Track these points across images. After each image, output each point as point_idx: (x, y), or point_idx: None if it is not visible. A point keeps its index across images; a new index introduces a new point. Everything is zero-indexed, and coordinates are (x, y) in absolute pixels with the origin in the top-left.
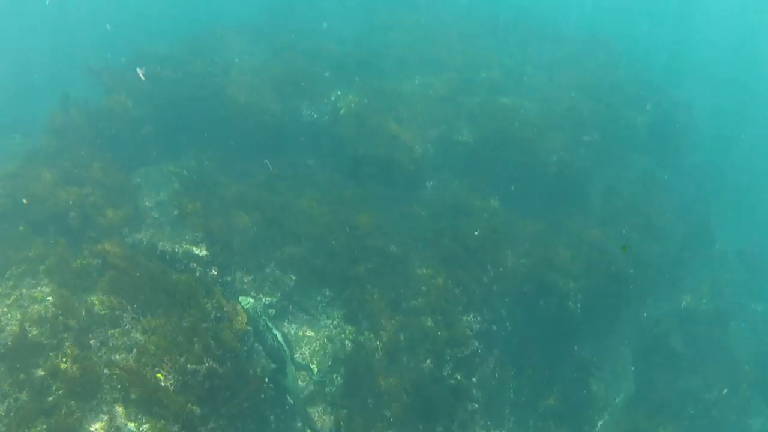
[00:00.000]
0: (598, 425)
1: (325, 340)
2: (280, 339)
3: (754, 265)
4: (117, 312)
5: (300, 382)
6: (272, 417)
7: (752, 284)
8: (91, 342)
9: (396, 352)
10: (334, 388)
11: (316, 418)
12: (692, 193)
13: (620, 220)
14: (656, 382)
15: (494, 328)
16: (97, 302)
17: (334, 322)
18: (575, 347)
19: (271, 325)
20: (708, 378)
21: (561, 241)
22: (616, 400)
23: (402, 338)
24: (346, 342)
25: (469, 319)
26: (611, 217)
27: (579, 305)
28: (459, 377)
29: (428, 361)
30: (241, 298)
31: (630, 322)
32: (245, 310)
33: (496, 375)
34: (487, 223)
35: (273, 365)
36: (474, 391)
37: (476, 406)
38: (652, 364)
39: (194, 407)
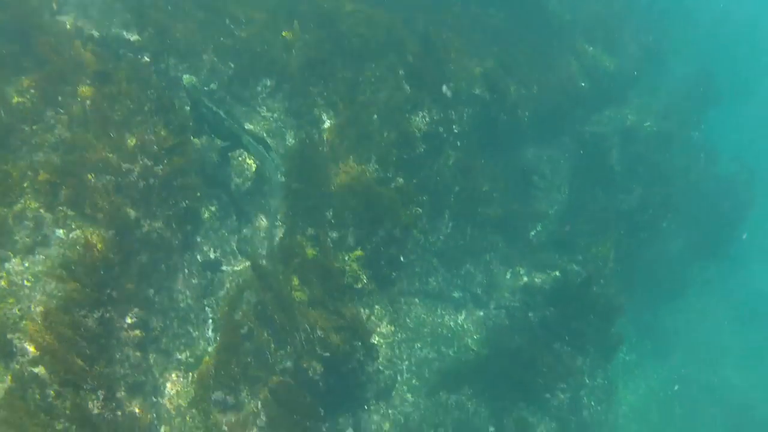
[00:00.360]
0: (531, 234)
1: (264, 134)
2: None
3: (698, 92)
4: (39, 105)
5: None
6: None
7: (694, 112)
8: (10, 141)
9: (341, 149)
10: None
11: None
12: (655, 19)
13: (577, 32)
14: (591, 198)
15: (441, 130)
16: (15, 94)
17: (275, 115)
18: (519, 155)
19: (211, 104)
20: (644, 200)
21: (519, 49)
22: (550, 212)
23: (348, 134)
24: (288, 137)
25: (417, 119)
26: (569, 28)
27: (527, 114)
28: (402, 180)
29: (373, 161)
30: (185, 76)
31: (573, 136)
32: (186, 88)
33: (439, 179)
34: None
35: (223, 142)
36: (418, 195)
37: (420, 210)
38: (590, 180)
39: (129, 210)
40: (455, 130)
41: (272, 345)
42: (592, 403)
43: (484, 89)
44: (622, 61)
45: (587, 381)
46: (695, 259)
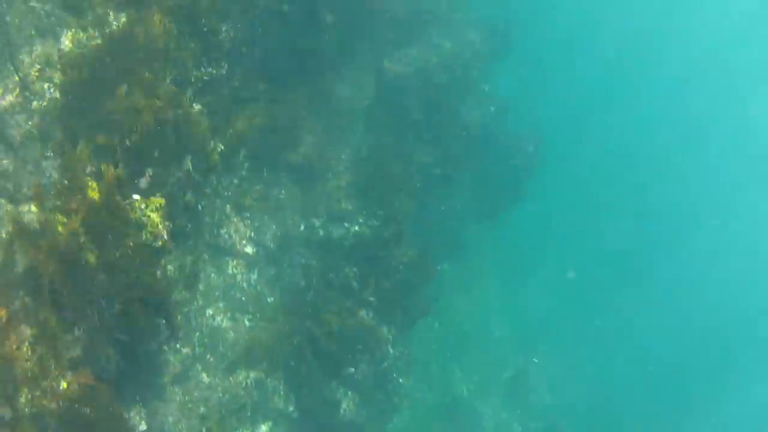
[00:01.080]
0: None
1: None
2: None
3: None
4: None
5: None
6: None
7: (486, 62)
8: None
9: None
10: None
11: None
12: None
13: None
14: (389, 148)
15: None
16: None
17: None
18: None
19: None
20: (444, 154)
21: None
22: (345, 158)
23: None
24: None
25: None
26: None
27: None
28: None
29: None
30: None
31: (372, 72)
32: None
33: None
34: None
35: None
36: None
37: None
38: (387, 126)
39: None
40: None
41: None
42: (395, 375)
43: None
44: None
45: (391, 351)
46: (476, 217)
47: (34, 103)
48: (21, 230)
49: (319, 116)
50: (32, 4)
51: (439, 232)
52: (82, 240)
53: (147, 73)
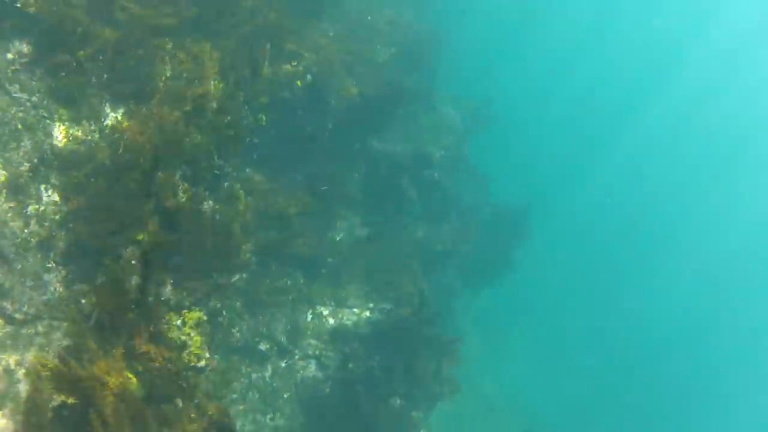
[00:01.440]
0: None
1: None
2: None
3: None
4: None
5: None
6: None
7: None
8: None
9: None
10: None
11: None
12: None
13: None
14: (386, 227)
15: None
16: None
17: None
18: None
19: None
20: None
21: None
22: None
23: None
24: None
25: None
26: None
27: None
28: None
29: None
30: None
31: (362, 152)
32: None
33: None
34: None
35: None
36: None
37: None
38: (381, 206)
39: None
40: None
41: None
42: None
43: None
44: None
45: None
46: (467, 286)
47: (30, 208)
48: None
49: (314, 199)
50: (16, 95)
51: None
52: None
53: (160, 174)
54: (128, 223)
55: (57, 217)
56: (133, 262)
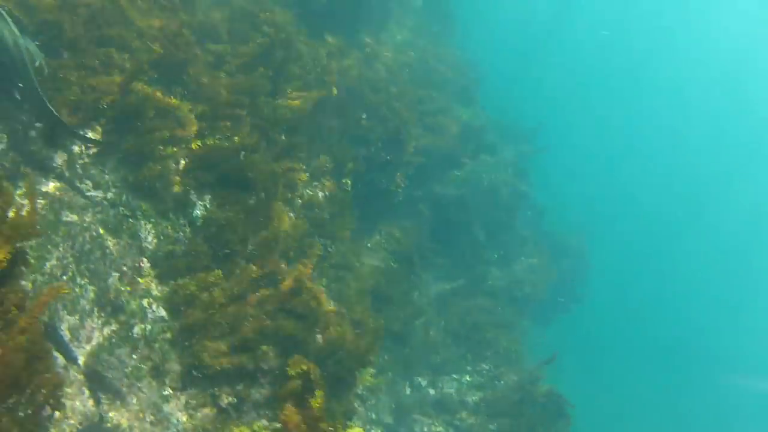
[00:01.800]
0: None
1: None
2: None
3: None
4: None
5: None
6: None
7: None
8: None
9: None
10: None
11: None
12: None
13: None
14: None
15: None
16: None
17: None
18: None
19: None
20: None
21: None
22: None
23: None
24: None
25: None
26: None
27: None
28: None
29: None
30: None
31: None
32: None
33: None
34: None
35: None
36: None
37: None
38: (455, 254)
39: None
40: None
41: None
42: None
43: None
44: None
45: None
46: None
47: (137, 329)
48: None
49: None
50: (90, 193)
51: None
52: None
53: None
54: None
55: (168, 335)
56: None
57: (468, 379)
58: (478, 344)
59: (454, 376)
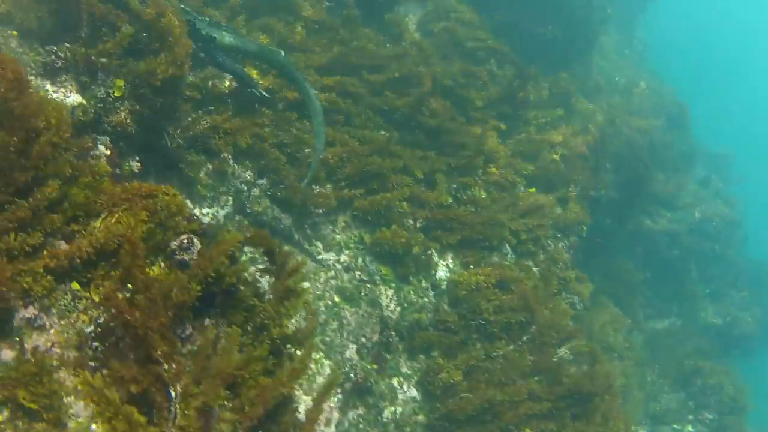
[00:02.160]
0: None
1: None
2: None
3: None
4: None
5: None
6: None
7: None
8: None
9: None
10: None
11: None
12: None
13: None
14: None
15: None
16: None
17: None
18: None
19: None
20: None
21: None
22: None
23: None
24: None
25: None
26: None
27: None
28: None
29: None
30: None
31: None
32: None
33: None
34: None
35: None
36: None
37: None
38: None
39: None
40: None
41: None
42: None
43: None
44: None
45: None
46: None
47: (386, 412)
48: None
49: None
50: (321, 256)
51: None
52: None
53: None
54: None
55: (420, 417)
56: None
57: (690, 429)
58: (701, 391)
59: (675, 426)
